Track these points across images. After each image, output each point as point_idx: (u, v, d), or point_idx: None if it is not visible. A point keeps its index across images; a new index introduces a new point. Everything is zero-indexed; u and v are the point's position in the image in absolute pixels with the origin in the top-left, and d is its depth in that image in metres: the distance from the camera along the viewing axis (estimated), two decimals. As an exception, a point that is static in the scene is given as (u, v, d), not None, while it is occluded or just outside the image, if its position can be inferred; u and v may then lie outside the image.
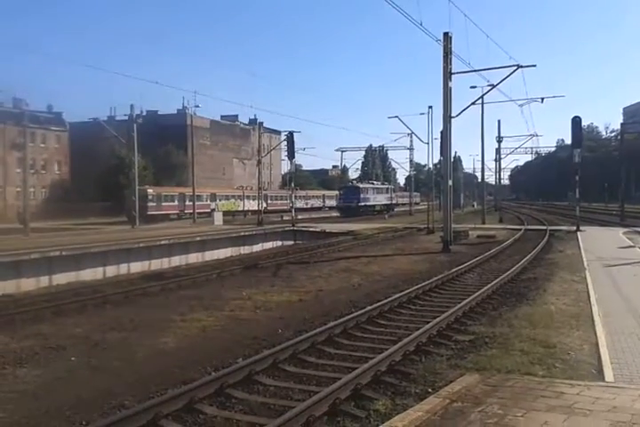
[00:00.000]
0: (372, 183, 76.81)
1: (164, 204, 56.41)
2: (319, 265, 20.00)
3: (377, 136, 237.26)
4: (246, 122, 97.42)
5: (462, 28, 44.26)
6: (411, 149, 70.17)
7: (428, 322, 9.69)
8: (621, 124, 59.95)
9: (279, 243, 33.69)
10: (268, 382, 7.21)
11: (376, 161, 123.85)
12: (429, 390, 6.57)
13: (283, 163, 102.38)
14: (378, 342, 9.11)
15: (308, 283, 15.87)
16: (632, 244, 23.91)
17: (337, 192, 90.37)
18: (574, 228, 31.75)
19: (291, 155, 41.45)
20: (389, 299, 11.95)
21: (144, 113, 65.10)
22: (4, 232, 30.24)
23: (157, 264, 23.62)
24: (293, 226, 36.93)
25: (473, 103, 27.25)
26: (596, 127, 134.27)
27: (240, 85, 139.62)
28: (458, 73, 24.70)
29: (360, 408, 6.25)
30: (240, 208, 67.13)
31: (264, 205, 51.06)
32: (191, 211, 53.09)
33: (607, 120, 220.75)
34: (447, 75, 23.80)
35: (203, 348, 9.07)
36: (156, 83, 72.88)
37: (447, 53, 23.68)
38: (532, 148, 77.60)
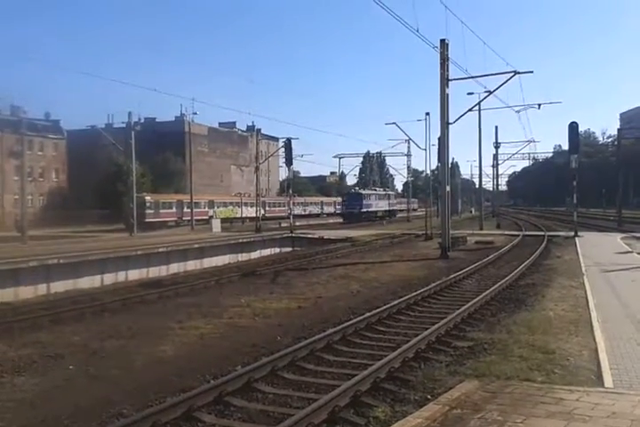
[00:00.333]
0: (375, 190, 77.64)
1: (161, 211, 56.38)
2: (317, 272, 19.99)
3: (375, 142, 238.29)
4: (244, 129, 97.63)
5: (459, 34, 44.53)
6: (408, 155, 70.24)
7: (427, 328, 9.68)
8: (618, 130, 60.00)
9: (277, 250, 33.67)
10: (266, 389, 7.19)
11: (374, 167, 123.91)
12: (429, 396, 6.56)
13: (281, 169, 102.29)
14: (377, 348, 9.10)
15: (307, 290, 15.85)
16: (630, 249, 23.95)
17: (334, 199, 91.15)
18: (572, 233, 31.79)
19: (289, 161, 41.52)
20: (388, 305, 11.94)
21: (142, 120, 65.24)
22: (2, 240, 30.20)
23: (155, 272, 23.59)
24: (291, 233, 36.93)
25: (470, 110, 27.37)
26: (593, 133, 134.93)
27: (238, 92, 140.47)
28: (455, 79, 24.79)
29: (359, 416, 6.24)
30: (238, 215, 67.09)
31: (262, 211, 51.09)
32: (189, 218, 53.04)
33: (604, 126, 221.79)
34: (444, 81, 23.88)
35: (201, 356, 9.04)
36: (154, 90, 73.33)
37: (444, 60, 23.78)
38: (529, 153, 77.63)
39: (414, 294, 13.42)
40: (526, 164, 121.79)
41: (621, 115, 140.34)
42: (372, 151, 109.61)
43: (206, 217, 57.30)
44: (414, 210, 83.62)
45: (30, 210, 48.49)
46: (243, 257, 29.98)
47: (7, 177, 61.66)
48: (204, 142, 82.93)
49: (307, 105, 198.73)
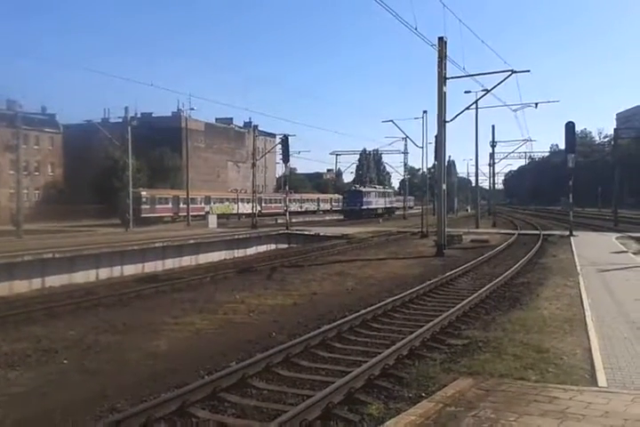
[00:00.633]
0: (375, 187, 78.14)
1: (157, 206, 56.27)
2: (313, 268, 19.99)
3: (372, 140, 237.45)
4: (241, 125, 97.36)
5: (457, 32, 44.51)
6: (405, 153, 70.49)
7: (422, 326, 9.69)
8: (615, 130, 60.08)
9: (273, 246, 33.71)
10: (261, 385, 7.19)
11: (370, 165, 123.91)
12: (423, 394, 6.57)
13: (277, 166, 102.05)
14: (371, 345, 9.11)
15: (302, 286, 15.86)
16: (625, 249, 24.03)
17: (331, 196, 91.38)
18: (567, 233, 31.87)
19: (285, 158, 41.53)
20: (383, 303, 11.95)
21: (138, 115, 65.24)
22: (-3, 234, 30.10)
23: (151, 267, 23.60)
24: (287, 229, 36.94)
25: (467, 108, 27.35)
26: (590, 133, 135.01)
27: (235, 88, 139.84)
28: (452, 78, 24.77)
29: (353, 412, 6.24)
30: (234, 211, 67.06)
31: (258, 208, 51.07)
32: (185, 213, 53.01)
33: (600, 125, 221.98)
34: (442, 79, 23.88)
35: (196, 351, 9.04)
36: (150, 85, 72.71)
37: (442, 58, 23.77)
38: (525, 152, 77.78)
39: (410, 291, 13.44)
40: (523, 163, 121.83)
41: (618, 115, 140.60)
42: (368, 149, 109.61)
43: (202, 213, 57.26)
44: (410, 208, 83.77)
45: (26, 204, 48.32)
46: (238, 253, 30.02)
47: (3, 171, 61.43)
48: (200, 138, 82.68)
49: (304, 102, 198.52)
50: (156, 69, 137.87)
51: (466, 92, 36.42)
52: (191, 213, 52.41)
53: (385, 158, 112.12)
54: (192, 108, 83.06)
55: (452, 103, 27.25)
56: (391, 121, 44.77)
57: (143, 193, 54.09)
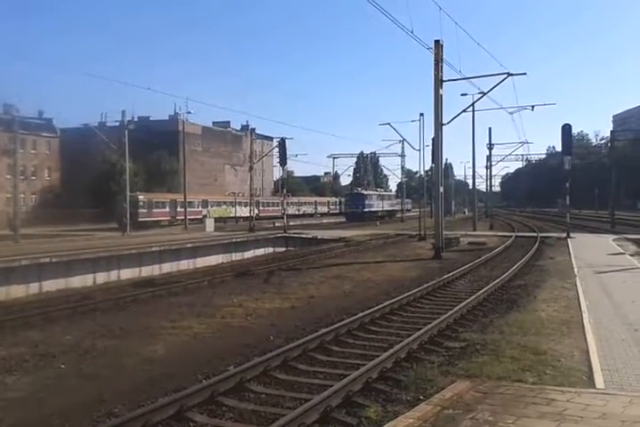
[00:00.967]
0: (376, 190, 79.01)
1: (155, 210, 56.20)
2: (311, 272, 19.98)
3: (369, 143, 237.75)
4: (238, 128, 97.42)
5: (453, 35, 44.64)
6: (402, 155, 70.51)
7: (420, 329, 9.69)
8: (611, 132, 60.31)
9: (271, 249, 33.65)
10: (259, 389, 7.18)
11: (368, 168, 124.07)
12: (420, 397, 6.56)
13: (275, 169, 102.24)
14: (369, 348, 9.11)
15: (300, 290, 15.85)
16: (622, 251, 24.04)
17: (328, 199, 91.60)
18: (565, 235, 31.90)
19: (283, 161, 41.53)
20: (381, 305, 11.95)
21: (135, 119, 65.15)
22: (-6, 239, 30.03)
23: (148, 271, 23.53)
24: (285, 232, 36.92)
25: (464, 111, 27.44)
26: (587, 135, 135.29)
27: (232, 92, 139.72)
28: (449, 80, 24.86)
29: (351, 416, 6.24)
30: (232, 214, 67.03)
31: (256, 211, 51.02)
32: (183, 217, 52.95)
33: (597, 127, 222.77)
34: (438, 82, 23.93)
35: (193, 355, 9.03)
36: (147, 89, 72.43)
37: (438, 61, 23.82)
38: (522, 155, 78.22)
39: (407, 294, 13.44)
40: (520, 165, 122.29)
41: (614, 117, 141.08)
42: (365, 152, 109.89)
43: (200, 216, 57.18)
44: (408, 210, 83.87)
45: (23, 209, 48.23)
46: (236, 257, 29.95)
47: (0, 175, 61.33)
48: (197, 141, 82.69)
49: (301, 105, 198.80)
50: (154, 73, 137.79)
51: (462, 94, 36.60)
52: (188, 217, 52.37)
53: (382, 161, 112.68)
54: (189, 112, 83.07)
55: (448, 106, 27.36)
56: (388, 124, 45.02)
57: (140, 197, 54.01)
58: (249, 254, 31.30)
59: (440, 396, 6.19)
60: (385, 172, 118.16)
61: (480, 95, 28.10)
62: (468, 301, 12.31)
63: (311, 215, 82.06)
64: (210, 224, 44.57)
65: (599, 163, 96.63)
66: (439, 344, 9.17)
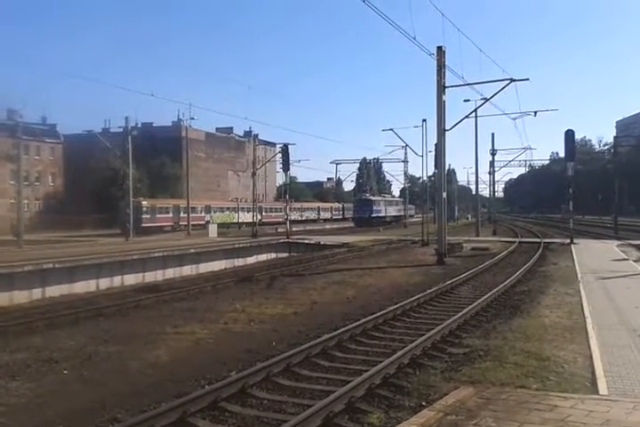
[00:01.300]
0: (384, 196, 79.79)
1: (158, 216, 56.28)
2: (313, 277, 19.97)
3: (372, 148, 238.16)
4: (241, 134, 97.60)
5: (455, 41, 44.63)
6: (405, 161, 70.63)
7: (423, 335, 9.68)
8: (615, 138, 60.30)
9: (274, 255, 33.64)
10: (261, 395, 7.18)
11: (370, 173, 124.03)
12: (423, 403, 6.55)
13: (277, 175, 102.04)
14: (372, 354, 9.10)
15: (303, 295, 15.84)
16: (626, 257, 24.00)
17: (331, 204, 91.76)
18: (568, 240, 31.85)
19: (285, 167, 41.60)
20: (384, 311, 11.94)
21: (139, 125, 65.22)
22: (-2, 244, 30.08)
23: (151, 276, 23.53)
24: (288, 238, 36.93)
25: (467, 117, 27.48)
26: (590, 140, 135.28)
27: (235, 98, 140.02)
28: (451, 86, 24.89)
29: (354, 422, 6.23)
30: (235, 220, 67.08)
31: (259, 217, 51.06)
32: (186, 223, 52.98)
33: (600, 133, 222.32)
34: (441, 88, 23.98)
35: (196, 361, 9.03)
36: (151, 95, 72.52)
37: (441, 67, 23.88)
38: (525, 160, 78.01)
39: (410, 300, 13.43)
40: (523, 171, 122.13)
41: (617, 122, 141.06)
42: (368, 157, 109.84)
43: (203, 222, 57.23)
44: (411, 216, 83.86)
45: (26, 214, 48.30)
46: (239, 262, 29.94)
47: (3, 181, 61.49)
48: (201, 147, 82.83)
49: (304, 111, 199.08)
50: (157, 79, 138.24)
51: (465, 100, 36.52)
52: (192, 223, 52.31)
53: (385, 167, 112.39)
54: (192, 118, 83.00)
55: (451, 112, 27.45)
56: (391, 130, 44.97)
57: (143, 203, 54.12)
58: (252, 260, 31.29)
59: (443, 402, 6.17)
60: (388, 177, 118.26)
61: (483, 101, 28.12)
62: (471, 307, 12.29)
63: (314, 221, 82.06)
64: (213, 230, 44.57)
65: (602, 169, 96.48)
66: (442, 350, 9.15)
